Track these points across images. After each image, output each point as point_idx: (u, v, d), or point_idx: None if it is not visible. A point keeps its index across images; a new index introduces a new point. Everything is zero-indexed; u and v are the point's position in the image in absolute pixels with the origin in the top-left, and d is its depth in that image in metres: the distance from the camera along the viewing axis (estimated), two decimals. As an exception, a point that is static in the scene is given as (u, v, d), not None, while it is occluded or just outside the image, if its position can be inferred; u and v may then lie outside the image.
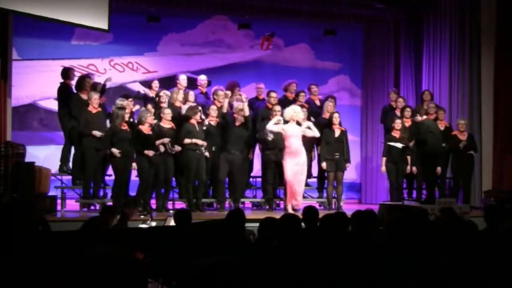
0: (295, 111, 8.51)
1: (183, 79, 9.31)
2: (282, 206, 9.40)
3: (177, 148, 8.18)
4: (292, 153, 8.39)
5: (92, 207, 8.49)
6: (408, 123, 9.34)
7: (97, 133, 8.11)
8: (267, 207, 9.04)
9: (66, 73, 9.12)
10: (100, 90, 8.69)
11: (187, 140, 8.27)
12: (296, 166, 8.40)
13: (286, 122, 8.50)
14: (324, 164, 9.01)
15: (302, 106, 9.25)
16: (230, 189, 8.81)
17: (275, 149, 8.75)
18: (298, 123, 8.59)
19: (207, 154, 8.47)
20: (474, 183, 9.88)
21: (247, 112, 8.65)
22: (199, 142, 8.28)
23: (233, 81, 9.82)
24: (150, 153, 7.93)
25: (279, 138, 8.57)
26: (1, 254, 2.86)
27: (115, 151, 7.87)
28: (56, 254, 3.16)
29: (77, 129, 8.41)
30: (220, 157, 8.53)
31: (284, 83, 10.00)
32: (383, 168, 9.26)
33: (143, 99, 9.32)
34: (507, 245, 3.88)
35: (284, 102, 9.26)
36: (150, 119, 8.12)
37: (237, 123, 8.61)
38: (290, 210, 8.25)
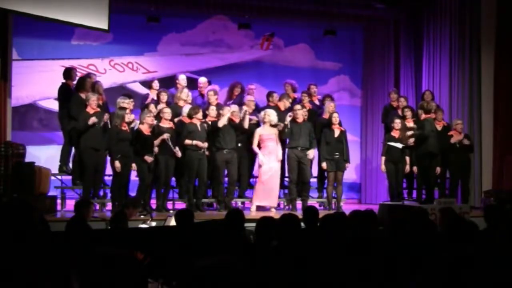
0: (267, 114, 8.76)
1: (182, 79, 9.32)
2: (281, 206, 9.43)
3: (178, 152, 8.17)
4: (267, 154, 8.71)
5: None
6: (409, 123, 9.34)
7: (93, 119, 8.00)
8: (288, 207, 9.04)
9: (68, 73, 9.09)
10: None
11: (187, 141, 8.26)
12: (271, 164, 8.72)
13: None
14: (324, 164, 9.03)
15: (303, 106, 9.29)
16: (229, 189, 8.81)
17: (297, 147, 8.84)
18: (274, 125, 8.84)
19: (206, 153, 8.47)
20: (474, 183, 9.88)
21: (246, 125, 8.76)
22: (200, 144, 8.28)
23: (234, 82, 9.81)
24: (149, 159, 7.95)
25: (296, 137, 8.82)
26: (1, 254, 2.86)
27: (118, 165, 7.89)
28: (55, 254, 3.16)
29: (77, 128, 8.39)
30: (216, 158, 8.52)
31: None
32: (383, 167, 9.26)
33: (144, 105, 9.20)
34: (507, 245, 3.88)
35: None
36: (150, 119, 8.10)
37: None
38: (253, 208, 8.64)
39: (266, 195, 8.75)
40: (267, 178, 8.70)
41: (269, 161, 8.74)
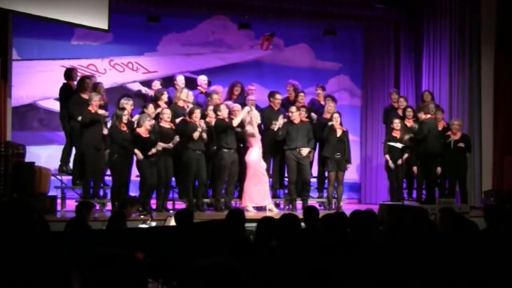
0: (253, 115, 8.73)
1: (180, 80, 9.31)
2: (281, 206, 9.43)
3: (176, 139, 8.13)
4: (254, 153, 8.66)
5: (92, 207, 8.47)
6: (410, 123, 9.34)
7: (102, 111, 8.12)
8: (288, 207, 9.02)
9: (69, 73, 9.10)
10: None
11: (196, 134, 8.21)
12: (258, 162, 8.68)
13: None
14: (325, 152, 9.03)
15: (302, 106, 9.29)
16: (229, 189, 8.79)
17: (295, 148, 8.83)
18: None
19: (204, 133, 8.38)
20: (474, 183, 9.88)
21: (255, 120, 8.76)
22: (202, 124, 8.25)
23: (234, 81, 9.81)
24: (154, 150, 7.94)
25: (293, 137, 8.80)
26: (1, 254, 2.86)
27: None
28: (55, 254, 3.16)
29: (77, 127, 8.40)
30: (224, 158, 8.50)
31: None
32: (390, 164, 9.23)
33: (143, 98, 9.32)
34: (507, 245, 3.88)
35: (286, 104, 9.50)
36: (149, 124, 8.06)
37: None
38: (251, 209, 8.47)
39: (258, 195, 8.66)
40: (256, 176, 8.63)
41: (257, 158, 8.67)
